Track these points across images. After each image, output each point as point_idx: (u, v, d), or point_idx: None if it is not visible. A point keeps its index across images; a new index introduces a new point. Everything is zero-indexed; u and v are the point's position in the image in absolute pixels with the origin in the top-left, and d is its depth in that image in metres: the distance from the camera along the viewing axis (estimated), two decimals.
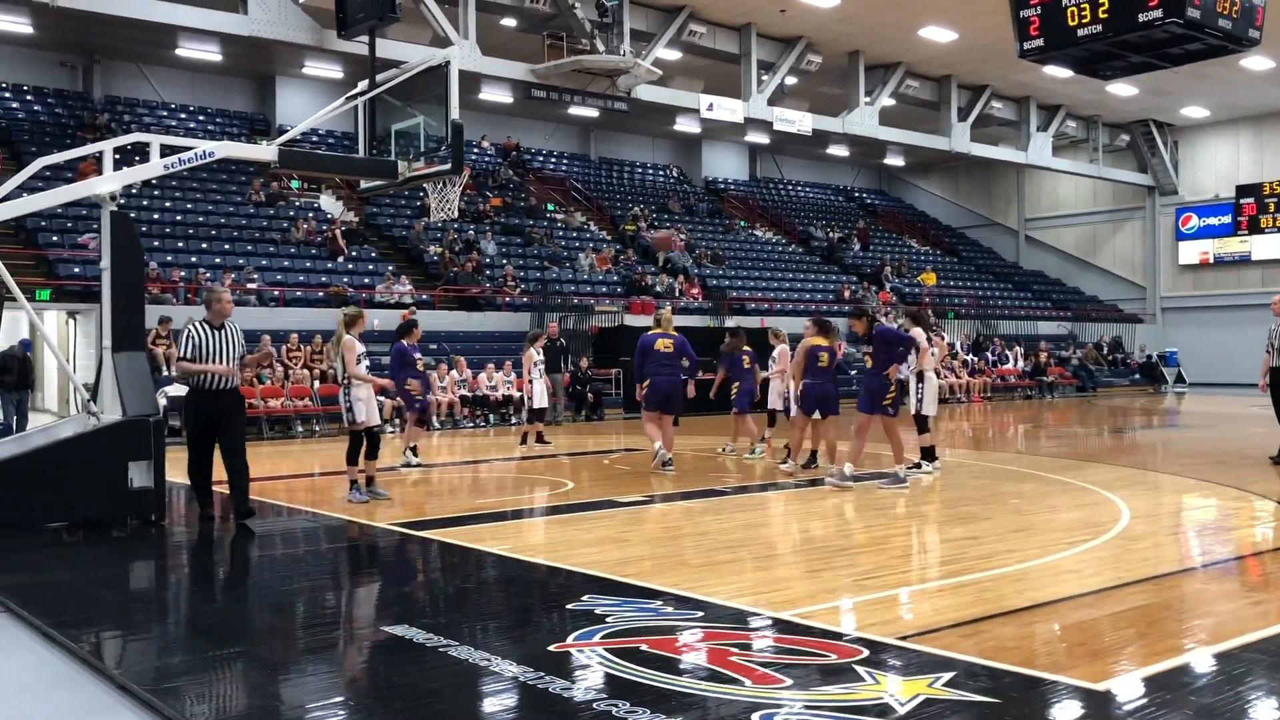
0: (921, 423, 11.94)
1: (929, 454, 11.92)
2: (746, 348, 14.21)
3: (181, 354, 8.57)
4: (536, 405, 15.62)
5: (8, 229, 20.79)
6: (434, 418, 17.87)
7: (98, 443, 8.62)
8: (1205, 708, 4.11)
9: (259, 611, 6.20)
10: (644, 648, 4.85)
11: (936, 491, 10.49)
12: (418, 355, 12.32)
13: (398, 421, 15.95)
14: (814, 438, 12.31)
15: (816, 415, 11.88)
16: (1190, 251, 37.28)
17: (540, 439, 15.55)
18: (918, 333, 12.03)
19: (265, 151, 10.91)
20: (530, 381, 15.52)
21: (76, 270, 19.63)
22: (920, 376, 11.94)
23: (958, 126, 31.09)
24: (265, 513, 9.81)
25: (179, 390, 17.29)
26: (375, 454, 10.11)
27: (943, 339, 12.02)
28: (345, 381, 9.78)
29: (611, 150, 37.66)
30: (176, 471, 9.34)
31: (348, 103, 11.23)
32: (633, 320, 24.21)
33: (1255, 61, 27.87)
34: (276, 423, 18.36)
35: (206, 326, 8.59)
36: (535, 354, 15.44)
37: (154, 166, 9.69)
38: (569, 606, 5.69)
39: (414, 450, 12.91)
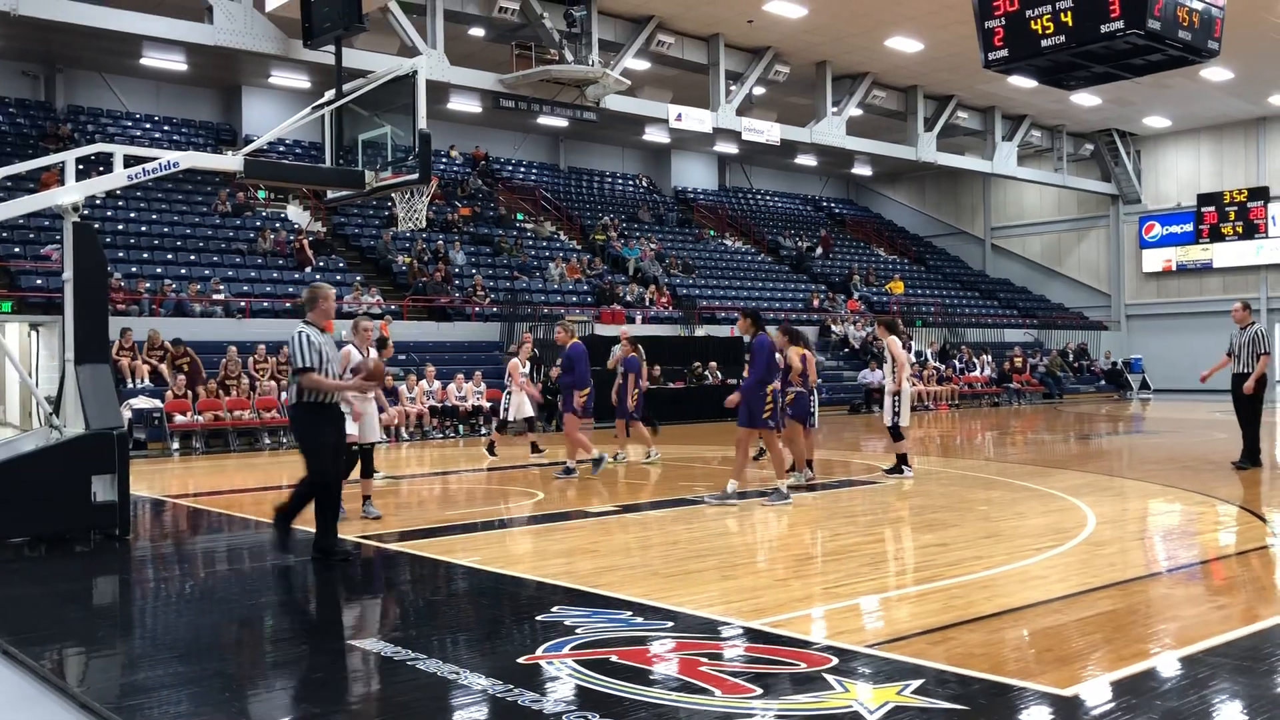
0: (894, 432, 12.05)
1: (905, 459, 12.07)
2: (634, 354, 14.87)
3: (305, 363, 7.24)
4: (527, 414, 15.65)
5: None
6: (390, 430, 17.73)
7: (60, 456, 8.51)
8: (1171, 711, 4.14)
9: (225, 627, 6.12)
10: (614, 659, 4.83)
11: (905, 499, 10.54)
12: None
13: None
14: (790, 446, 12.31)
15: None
16: (1154, 259, 37.76)
17: (534, 448, 15.48)
18: (893, 341, 12.13)
19: (231, 161, 10.82)
20: (510, 393, 15.52)
21: (39, 282, 19.38)
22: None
23: (924, 136, 31.35)
24: (232, 526, 9.73)
25: (144, 403, 17.16)
26: (369, 472, 9.62)
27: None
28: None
29: (581, 160, 37.68)
30: (141, 485, 9.22)
31: (314, 112, 11.17)
32: (603, 330, 24.21)
33: (1214, 72, 28.31)
34: (243, 434, 18.19)
35: (316, 330, 7.48)
36: (521, 365, 15.45)
37: (118, 177, 9.60)
38: (538, 618, 5.67)
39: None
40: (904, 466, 12.02)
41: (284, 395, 18.65)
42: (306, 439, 7.48)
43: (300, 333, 7.36)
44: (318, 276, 23.72)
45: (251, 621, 6.24)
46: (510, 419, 15.78)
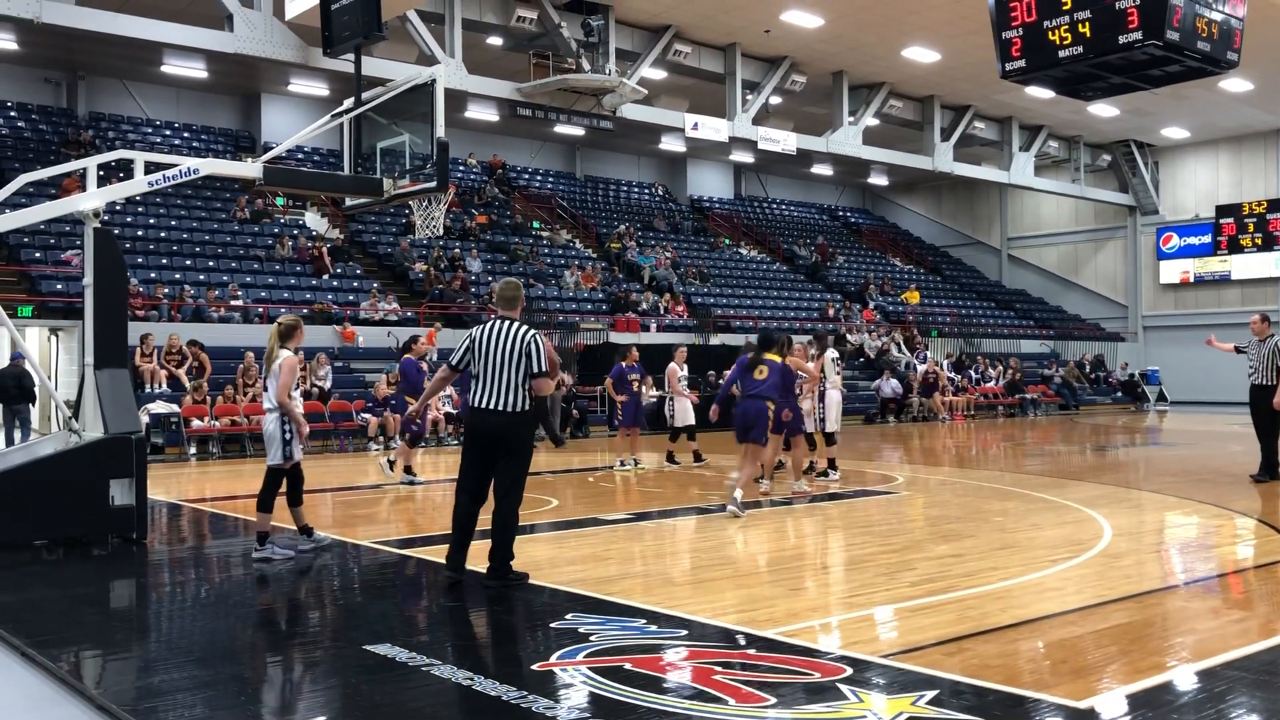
0: (828, 437, 13.02)
1: (811, 466, 13.13)
2: (637, 363, 15.01)
3: (544, 367, 6.90)
4: (689, 421, 15.27)
5: None
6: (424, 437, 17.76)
7: (79, 460, 8.58)
8: None
9: (240, 630, 6.15)
10: (628, 666, 4.83)
11: (920, 509, 10.51)
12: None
13: (397, 440, 15.75)
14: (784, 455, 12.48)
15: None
16: (1171, 270, 37.54)
17: (697, 457, 15.17)
18: (819, 357, 13.11)
19: (250, 169, 10.89)
20: (671, 399, 15.35)
21: (59, 287, 19.52)
22: (822, 396, 12.87)
23: (941, 146, 31.27)
24: (248, 530, 9.77)
25: (161, 407, 17.26)
26: (301, 496, 8.15)
27: (821, 361, 13.03)
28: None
29: (597, 168, 37.75)
30: (158, 489, 9.27)
31: (333, 120, 11.23)
32: (618, 338, 24.23)
33: (1234, 83, 28.15)
34: (259, 440, 18.26)
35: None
36: (679, 369, 15.32)
37: (138, 183, 9.67)
38: (553, 625, 5.68)
39: (409, 469, 12.83)
40: (829, 470, 12.96)
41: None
42: (530, 452, 6.99)
43: (537, 335, 6.91)
44: (335, 283, 23.85)
45: (267, 625, 6.27)
46: (677, 424, 15.47)
